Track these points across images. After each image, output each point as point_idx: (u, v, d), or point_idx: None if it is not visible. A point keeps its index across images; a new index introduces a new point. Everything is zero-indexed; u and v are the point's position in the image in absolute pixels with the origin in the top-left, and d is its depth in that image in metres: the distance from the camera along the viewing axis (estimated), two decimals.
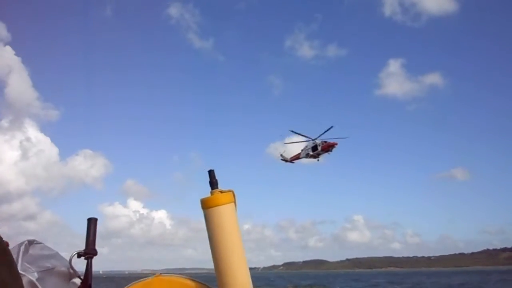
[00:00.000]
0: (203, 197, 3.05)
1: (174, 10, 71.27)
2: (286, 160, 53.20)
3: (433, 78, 52.66)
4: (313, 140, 48.61)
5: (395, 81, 48.64)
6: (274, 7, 73.92)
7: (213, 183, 3.24)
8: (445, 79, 54.97)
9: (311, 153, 48.07)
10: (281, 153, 53.14)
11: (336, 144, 47.64)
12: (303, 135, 48.90)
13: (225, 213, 3.14)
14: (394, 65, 52.71)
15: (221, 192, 3.14)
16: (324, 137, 49.57)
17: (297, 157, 51.20)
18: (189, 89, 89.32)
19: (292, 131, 48.37)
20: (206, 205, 3.15)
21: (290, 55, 67.08)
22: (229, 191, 3.18)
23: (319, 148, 47.94)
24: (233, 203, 3.19)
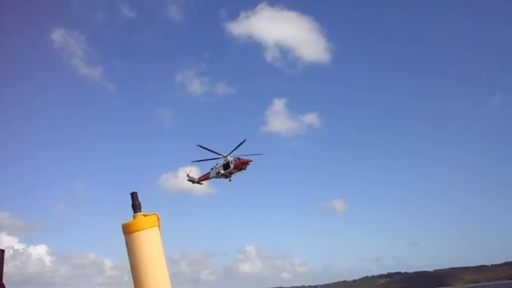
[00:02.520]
0: (124, 221, 3.25)
1: (57, 35, 70.65)
2: (193, 181, 52.22)
3: (311, 118, 64.11)
4: (224, 157, 47.83)
5: (279, 119, 56.68)
6: (165, 43, 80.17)
7: (136, 206, 3.46)
8: (321, 119, 67.50)
9: (222, 171, 47.11)
10: (188, 173, 52.11)
11: (251, 161, 46.87)
12: (212, 151, 47.89)
13: (148, 238, 3.38)
14: (278, 104, 61.92)
15: (145, 215, 3.39)
16: (236, 154, 50.86)
17: (206, 177, 50.39)
18: (75, 116, 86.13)
19: (200, 146, 47.30)
20: (128, 229, 3.35)
21: (181, 90, 72.59)
22: (153, 214, 3.44)
23: (232, 166, 46.94)
24: (157, 227, 3.45)
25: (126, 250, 3.16)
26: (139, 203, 3.24)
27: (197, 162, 49.00)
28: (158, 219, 3.25)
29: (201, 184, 52.17)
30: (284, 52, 68.60)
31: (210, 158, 48.32)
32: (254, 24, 66.76)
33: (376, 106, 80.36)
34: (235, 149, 48.21)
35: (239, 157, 47.52)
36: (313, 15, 71.33)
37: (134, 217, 3.21)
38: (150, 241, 3.17)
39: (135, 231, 3.14)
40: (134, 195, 3.22)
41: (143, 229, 3.16)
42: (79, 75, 75.69)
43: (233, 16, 79.32)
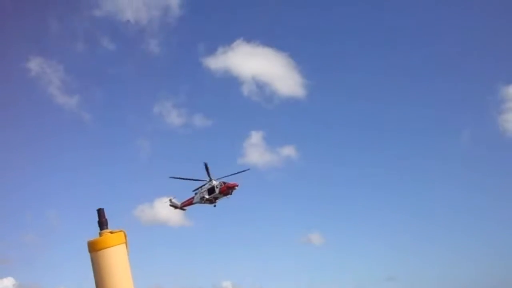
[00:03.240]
0: (90, 238, 3.31)
1: (34, 64, 72.02)
2: (176, 207, 51.43)
3: (288, 150, 65.48)
4: (209, 180, 47.26)
5: (256, 151, 57.97)
6: (143, 75, 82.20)
7: (102, 223, 3.53)
8: (298, 152, 68.88)
9: (206, 196, 46.72)
10: (171, 198, 51.27)
11: (237, 185, 46.53)
12: (188, 179, 47.14)
13: (115, 255, 3.44)
14: (256, 136, 63.38)
15: (111, 232, 3.46)
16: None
17: (190, 202, 49.68)
18: (49, 145, 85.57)
19: (173, 177, 46.53)
20: (94, 247, 3.40)
21: (159, 121, 74.62)
22: (120, 231, 3.52)
23: (217, 191, 46.55)
24: (124, 245, 3.52)
25: (92, 269, 3.22)
26: (106, 220, 3.31)
27: (176, 179, 48.24)
28: (125, 236, 3.32)
29: (184, 210, 51.39)
30: (261, 86, 71.06)
31: (191, 178, 48.11)
32: (231, 59, 69.23)
33: (352, 140, 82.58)
34: (208, 174, 47.13)
35: (224, 181, 47.02)
36: (289, 51, 74.20)
37: (100, 234, 3.27)
38: (117, 259, 3.23)
39: (102, 249, 3.19)
40: (100, 212, 3.29)
41: (110, 247, 3.22)
42: (56, 103, 75.55)
43: (211, 51, 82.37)
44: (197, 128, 78.70)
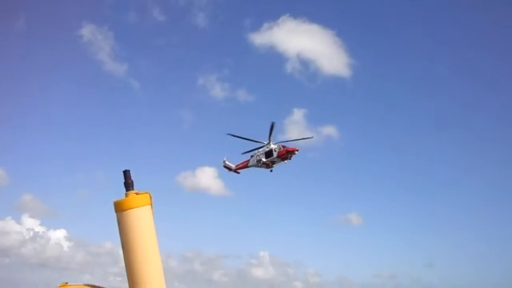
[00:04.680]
0: (116, 199, 3.65)
1: (86, 31, 77.38)
2: (229, 169, 52.49)
3: (329, 130, 64.04)
4: (266, 143, 47.77)
5: (297, 129, 56.94)
6: (189, 47, 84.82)
7: (128, 184, 3.83)
8: (339, 132, 67.34)
9: (263, 160, 47.30)
10: (225, 159, 52.47)
11: (297, 150, 46.84)
12: (245, 138, 47.39)
13: (140, 216, 3.74)
14: (297, 114, 62.36)
15: (137, 193, 3.76)
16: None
17: (245, 165, 50.54)
18: (99, 108, 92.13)
19: (231, 135, 47.33)
20: (119, 207, 3.72)
21: (202, 93, 77.66)
22: (146, 192, 3.80)
23: (275, 154, 46.88)
24: (149, 206, 3.81)
25: (118, 228, 3.58)
26: (132, 181, 3.59)
27: (232, 137, 49.28)
28: (151, 198, 3.61)
29: (238, 173, 52.45)
30: (305, 64, 70.59)
31: (249, 138, 47.92)
32: (276, 35, 69.36)
33: (395, 124, 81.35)
34: (270, 135, 47.45)
35: (283, 144, 47.38)
36: (336, 29, 72.71)
37: (126, 195, 3.60)
38: (142, 219, 3.53)
39: (127, 209, 3.49)
40: (126, 173, 3.58)
41: (135, 207, 3.52)
42: (105, 70, 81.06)
43: (256, 26, 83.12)
44: (240, 102, 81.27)
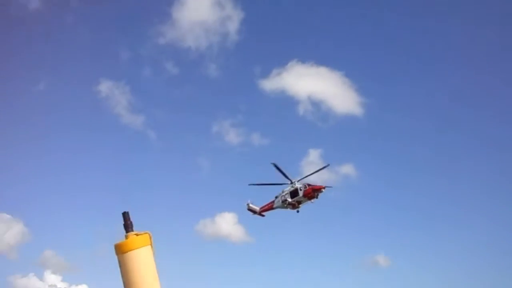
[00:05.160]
0: (116, 241, 3.81)
1: (104, 86, 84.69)
2: (254, 212, 51.50)
3: (347, 169, 65.01)
4: (291, 183, 47.01)
5: (313, 169, 57.91)
6: (203, 96, 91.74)
7: (128, 226, 4.00)
8: (357, 170, 68.43)
9: (289, 200, 46.34)
10: (248, 202, 51.63)
11: (324, 188, 45.97)
12: (267, 184, 47.55)
13: (141, 257, 3.89)
14: (313, 155, 64.12)
15: (137, 234, 3.92)
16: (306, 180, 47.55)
17: (270, 206, 49.48)
18: (117, 159, 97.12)
19: (252, 184, 48.15)
20: (120, 250, 3.88)
21: (218, 139, 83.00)
22: (145, 233, 3.96)
23: (301, 193, 45.91)
24: (149, 246, 3.96)
25: (119, 271, 3.71)
26: (131, 222, 3.76)
27: (254, 186, 49.99)
28: (150, 238, 3.76)
29: (263, 215, 51.81)
30: (316, 105, 74.76)
31: (270, 183, 47.97)
32: (285, 80, 74.32)
33: (411, 159, 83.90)
34: (314, 173, 47.46)
35: (309, 183, 46.60)
36: (344, 70, 77.20)
37: (126, 237, 3.75)
38: (143, 260, 3.67)
39: (128, 251, 3.66)
40: (125, 215, 3.76)
41: (136, 249, 3.68)
42: (123, 122, 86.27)
43: (266, 73, 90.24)
44: (255, 146, 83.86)
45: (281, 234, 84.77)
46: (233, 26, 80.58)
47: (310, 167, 46.78)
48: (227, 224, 76.56)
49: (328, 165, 46.63)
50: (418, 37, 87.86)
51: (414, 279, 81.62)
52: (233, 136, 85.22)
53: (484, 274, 77.55)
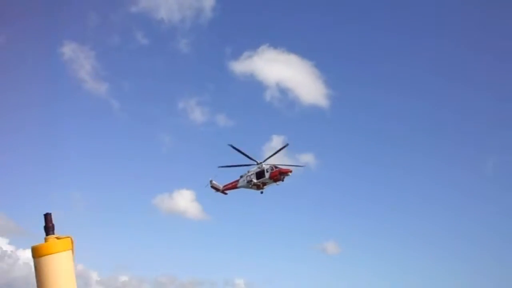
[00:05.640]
0: (35, 244, 3.64)
1: (68, 49, 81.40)
2: (217, 189, 51.92)
3: (308, 158, 66.67)
4: (258, 163, 47.58)
5: (276, 156, 58.70)
6: (171, 71, 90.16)
7: (49, 228, 3.82)
8: (317, 160, 70.59)
9: (254, 180, 46.97)
10: (211, 180, 51.91)
11: (291, 171, 46.61)
12: (245, 154, 47.26)
13: (60, 262, 3.72)
14: (276, 141, 64.91)
15: (58, 238, 3.76)
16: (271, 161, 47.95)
17: (234, 185, 50.13)
18: (77, 126, 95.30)
19: (221, 167, 48.28)
20: (37, 253, 3.70)
21: (182, 116, 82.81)
22: (67, 237, 3.80)
23: (267, 175, 46.54)
24: (70, 251, 3.81)
25: (35, 275, 3.56)
26: (53, 225, 3.59)
27: (222, 168, 50.05)
28: (72, 243, 3.61)
29: (226, 194, 51.43)
30: (284, 92, 75.81)
31: (239, 164, 47.96)
32: (255, 64, 74.60)
33: (371, 153, 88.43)
34: (273, 155, 47.52)
35: (277, 165, 47.13)
36: (314, 60, 78.19)
37: (45, 239, 3.59)
38: (62, 265, 3.51)
39: (46, 255, 3.51)
40: (47, 217, 3.58)
41: (55, 253, 3.53)
42: (85, 88, 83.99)
43: (237, 54, 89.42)
44: (220, 127, 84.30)
45: (237, 214, 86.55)
46: (208, 2, 79.77)
47: (272, 153, 46.98)
48: (185, 200, 77.31)
49: (287, 144, 46.84)
50: (390, 37, 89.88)
51: (361, 267, 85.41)
52: (198, 115, 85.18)
53: (434, 260, 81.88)
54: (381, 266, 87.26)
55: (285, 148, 47.36)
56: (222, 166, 48.96)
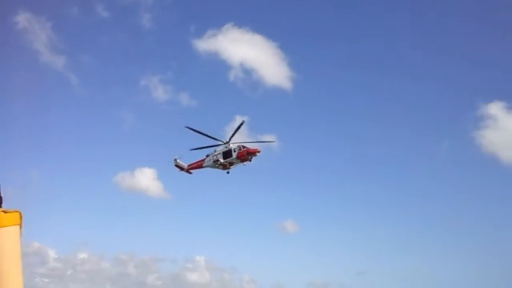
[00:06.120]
0: None
1: (22, 18, 77.86)
2: (181, 168, 51.79)
3: (269, 139, 69.80)
4: (225, 143, 47.43)
5: (238, 136, 59.35)
6: (132, 47, 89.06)
7: None
8: (279, 141, 73.99)
9: (221, 160, 46.88)
10: (176, 158, 51.80)
11: (259, 151, 46.68)
12: (204, 134, 46.35)
13: (6, 237, 3.67)
14: (239, 121, 66.33)
15: (5, 212, 3.70)
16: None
17: (199, 165, 50.02)
18: (32, 100, 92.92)
19: (189, 128, 46.14)
20: None
21: (144, 94, 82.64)
22: (16, 211, 3.74)
23: (234, 155, 46.57)
24: (18, 226, 3.75)
25: None
26: (1, 198, 3.54)
27: (194, 150, 49.48)
28: (21, 218, 3.55)
29: (190, 173, 51.28)
30: (248, 73, 77.44)
31: (211, 145, 47.56)
32: (220, 43, 75.11)
33: (332, 136, 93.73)
34: (234, 134, 47.31)
35: (244, 145, 47.14)
36: (279, 41, 79.96)
37: None
38: (8, 240, 3.45)
39: None
40: None
41: (1, 227, 3.46)
42: (42, 60, 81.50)
43: (201, 32, 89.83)
44: (183, 106, 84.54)
45: (198, 194, 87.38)
46: None
47: (232, 132, 47.04)
48: (146, 179, 77.21)
49: (244, 121, 46.36)
50: (354, 21, 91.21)
51: (319, 246, 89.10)
52: (160, 93, 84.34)
53: (386, 243, 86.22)
54: (337, 245, 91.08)
55: (248, 129, 47.37)
56: (194, 149, 48.34)
